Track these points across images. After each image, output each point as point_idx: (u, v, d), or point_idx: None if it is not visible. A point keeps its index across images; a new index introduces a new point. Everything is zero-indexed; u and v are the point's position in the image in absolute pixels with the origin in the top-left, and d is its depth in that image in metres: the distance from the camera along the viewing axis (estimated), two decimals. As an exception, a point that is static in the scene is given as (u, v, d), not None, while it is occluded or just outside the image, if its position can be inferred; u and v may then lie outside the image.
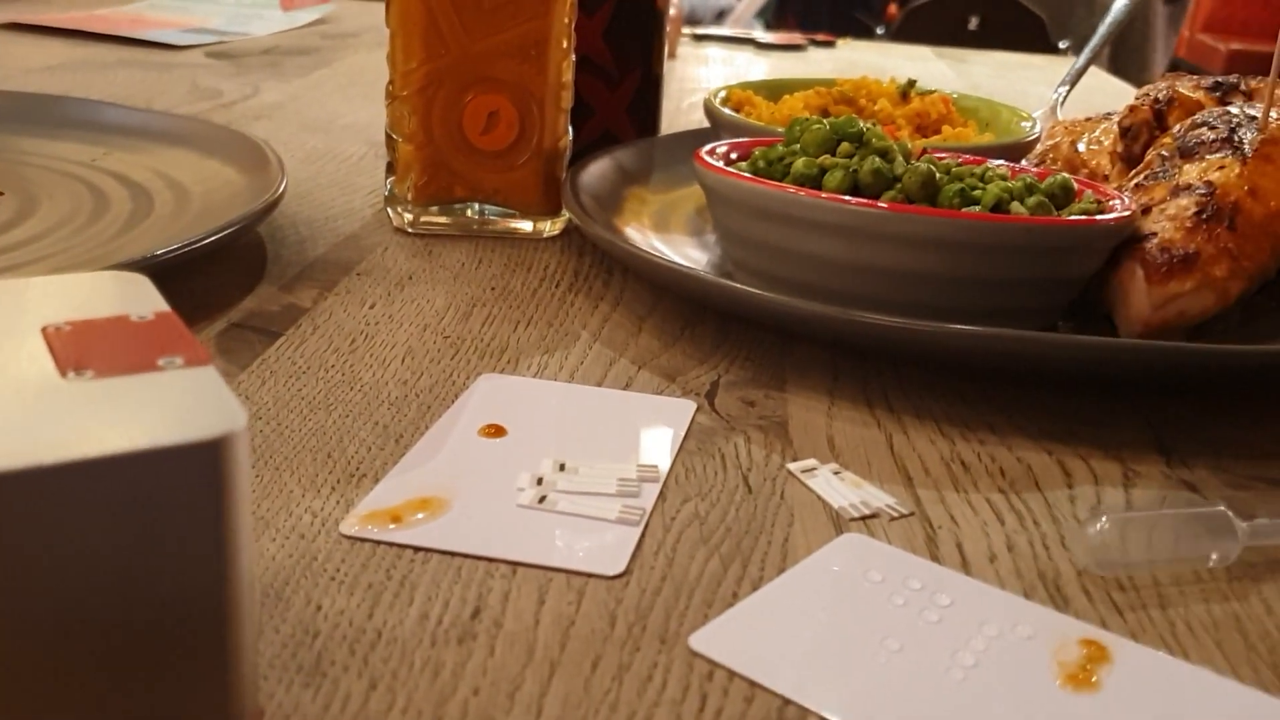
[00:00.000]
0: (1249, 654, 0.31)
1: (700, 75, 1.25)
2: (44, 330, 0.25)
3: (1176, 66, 2.97)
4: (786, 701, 0.28)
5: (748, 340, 0.49)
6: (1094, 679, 0.29)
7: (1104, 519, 0.31)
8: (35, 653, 0.22)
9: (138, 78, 0.99)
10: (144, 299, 0.27)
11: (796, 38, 1.52)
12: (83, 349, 0.25)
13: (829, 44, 1.52)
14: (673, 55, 1.30)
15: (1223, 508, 0.33)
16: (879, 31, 3.49)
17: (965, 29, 3.03)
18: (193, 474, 0.22)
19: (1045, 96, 0.81)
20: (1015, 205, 0.45)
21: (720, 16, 3.54)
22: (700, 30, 1.55)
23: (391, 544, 0.33)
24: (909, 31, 2.89)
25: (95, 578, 0.22)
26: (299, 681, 0.28)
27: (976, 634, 0.30)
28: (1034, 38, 2.85)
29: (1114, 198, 0.49)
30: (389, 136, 0.59)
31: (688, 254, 0.57)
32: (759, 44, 1.48)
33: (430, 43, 0.56)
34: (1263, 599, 0.33)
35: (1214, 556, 0.32)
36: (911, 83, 0.70)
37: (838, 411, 0.44)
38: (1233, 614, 0.33)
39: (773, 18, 3.94)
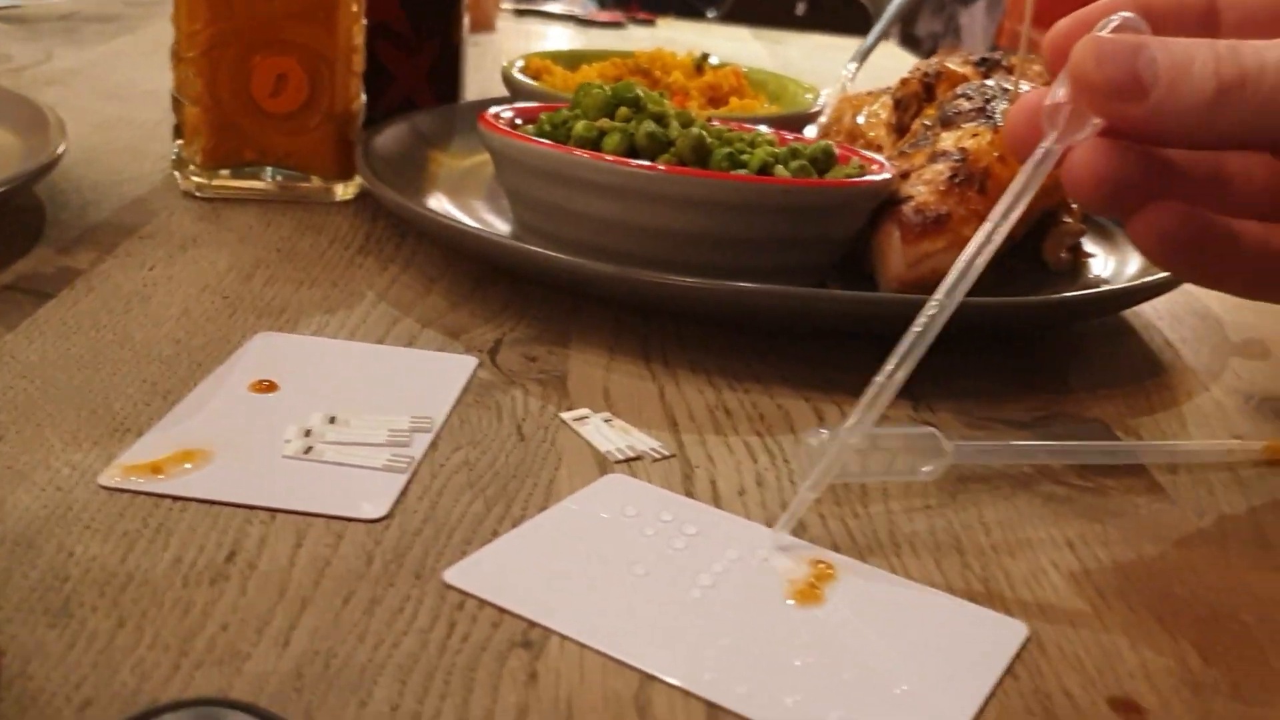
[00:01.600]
0: (964, 570, 0.34)
1: (519, 49, 1.25)
2: None
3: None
4: (532, 624, 0.30)
5: (535, 300, 0.51)
6: (819, 594, 0.32)
7: (823, 433, 0.33)
8: None
9: (-83, 40, 0.94)
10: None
11: (617, 15, 1.54)
12: None
13: (649, 22, 1.54)
14: (490, 28, 1.30)
15: (932, 429, 0.36)
16: (710, 15, 3.54)
17: (792, 14, 3.10)
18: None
19: (847, 75, 0.84)
20: (779, 168, 0.48)
21: (558, -8, 3.52)
22: (522, 6, 1.55)
23: (150, 494, 0.33)
24: (738, 15, 2.95)
25: None
26: (44, 623, 0.28)
27: (718, 558, 0.33)
28: (858, 23, 2.93)
29: (876, 164, 0.52)
30: (175, 99, 0.58)
31: (483, 218, 0.57)
32: (579, 20, 1.49)
33: (215, 3, 0.55)
34: (982, 522, 0.37)
35: (924, 470, 0.35)
36: (705, 56, 0.72)
37: (616, 366, 0.45)
38: (954, 535, 0.36)
39: (610, -4, 3.95)
